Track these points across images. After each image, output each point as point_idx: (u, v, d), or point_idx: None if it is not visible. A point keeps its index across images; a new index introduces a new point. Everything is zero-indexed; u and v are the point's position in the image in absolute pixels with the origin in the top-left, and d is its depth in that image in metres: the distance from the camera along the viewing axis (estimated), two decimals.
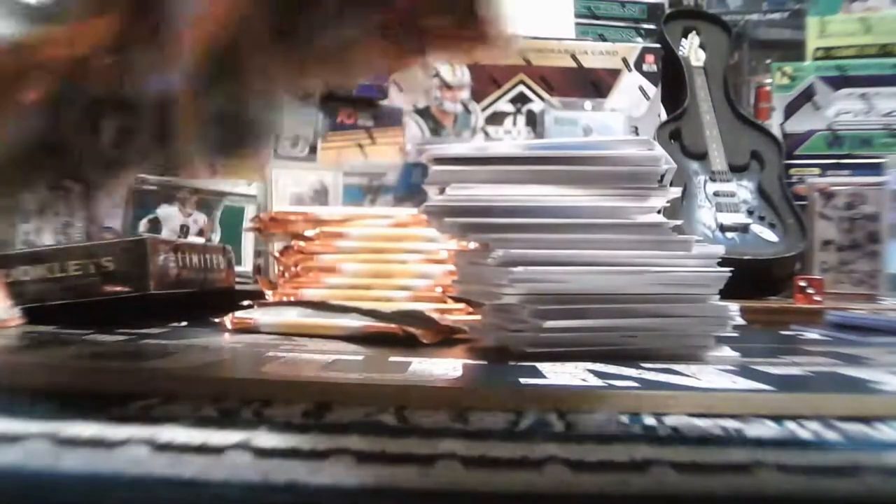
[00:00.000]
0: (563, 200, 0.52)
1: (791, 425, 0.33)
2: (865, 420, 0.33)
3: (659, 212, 0.53)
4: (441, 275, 0.71)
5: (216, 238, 1.10)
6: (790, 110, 1.31)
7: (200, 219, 1.10)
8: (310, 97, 1.09)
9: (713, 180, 1.21)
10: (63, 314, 0.60)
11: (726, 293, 0.51)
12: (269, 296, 0.74)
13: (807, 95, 1.30)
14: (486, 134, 1.30)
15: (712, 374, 0.42)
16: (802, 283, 0.97)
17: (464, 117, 1.29)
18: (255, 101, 0.39)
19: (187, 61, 0.35)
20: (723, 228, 1.16)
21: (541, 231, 0.51)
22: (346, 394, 0.36)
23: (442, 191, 0.52)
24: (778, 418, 0.34)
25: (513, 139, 1.29)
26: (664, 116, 1.31)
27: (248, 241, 1.10)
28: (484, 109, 1.30)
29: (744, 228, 1.16)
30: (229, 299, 0.69)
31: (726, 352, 0.51)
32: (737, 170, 1.23)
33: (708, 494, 0.25)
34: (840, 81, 1.29)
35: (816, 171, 1.25)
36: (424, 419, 0.32)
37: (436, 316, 0.61)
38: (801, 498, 0.25)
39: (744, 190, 1.21)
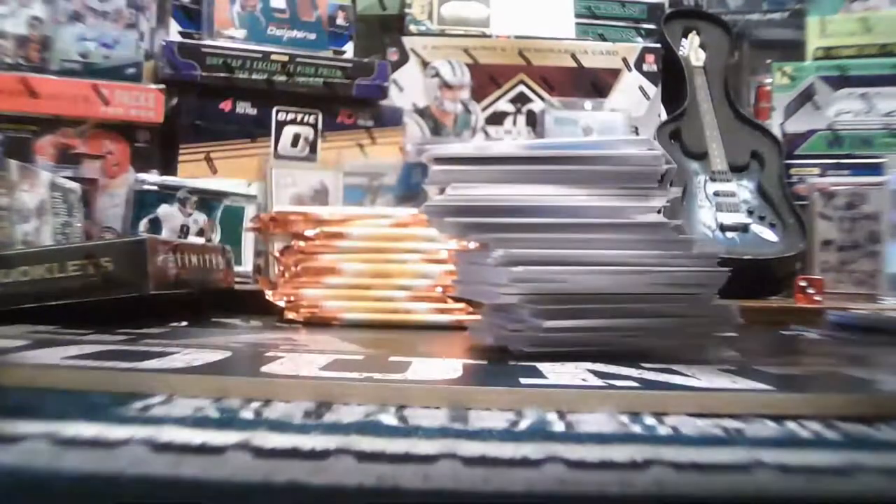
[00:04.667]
0: (563, 200, 0.51)
1: (791, 425, 0.33)
2: (865, 420, 0.33)
3: (659, 212, 0.53)
4: (441, 275, 0.71)
5: (216, 238, 1.10)
6: (790, 110, 1.31)
7: (200, 219, 1.10)
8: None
9: (713, 180, 1.21)
10: (63, 314, 0.60)
11: (726, 293, 0.51)
12: (269, 295, 0.74)
13: (807, 95, 1.30)
14: (486, 134, 1.30)
15: (712, 374, 0.42)
16: (803, 283, 0.97)
17: (464, 117, 1.29)
18: None
19: None
20: (723, 228, 1.16)
21: (541, 231, 0.51)
22: (346, 394, 0.36)
23: (442, 191, 0.52)
24: (778, 418, 0.33)
25: (513, 139, 1.29)
26: (664, 116, 1.32)
27: (248, 241, 1.10)
28: (484, 109, 1.30)
29: (744, 228, 1.16)
30: (228, 299, 0.69)
31: (726, 352, 0.51)
32: (737, 170, 1.23)
33: (708, 494, 0.25)
34: (840, 81, 1.29)
35: (816, 171, 1.25)
36: (424, 419, 0.32)
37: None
38: (801, 498, 0.25)
39: (744, 190, 1.21)
